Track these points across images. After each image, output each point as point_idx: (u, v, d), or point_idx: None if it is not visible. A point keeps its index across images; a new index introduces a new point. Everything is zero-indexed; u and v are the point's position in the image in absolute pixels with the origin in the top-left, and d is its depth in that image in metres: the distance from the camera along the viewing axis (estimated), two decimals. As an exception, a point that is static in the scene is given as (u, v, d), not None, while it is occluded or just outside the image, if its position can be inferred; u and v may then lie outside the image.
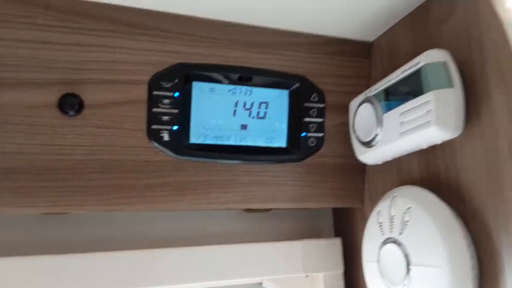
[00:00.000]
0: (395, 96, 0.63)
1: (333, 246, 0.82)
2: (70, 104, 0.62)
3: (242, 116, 0.74)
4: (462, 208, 0.57)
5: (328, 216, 0.92)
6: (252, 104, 0.75)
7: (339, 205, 0.79)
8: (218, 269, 0.73)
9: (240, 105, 0.74)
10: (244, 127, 0.74)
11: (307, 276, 0.82)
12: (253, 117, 0.75)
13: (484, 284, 0.54)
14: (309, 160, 0.76)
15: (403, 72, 0.61)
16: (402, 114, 0.60)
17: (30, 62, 0.61)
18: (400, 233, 0.60)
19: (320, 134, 0.77)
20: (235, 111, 0.74)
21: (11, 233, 0.71)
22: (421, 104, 0.57)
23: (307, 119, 0.76)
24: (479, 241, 0.55)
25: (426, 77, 0.56)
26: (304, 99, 0.76)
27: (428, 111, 0.55)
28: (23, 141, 0.60)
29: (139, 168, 0.66)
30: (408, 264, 0.58)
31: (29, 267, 0.64)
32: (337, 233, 0.90)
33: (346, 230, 0.86)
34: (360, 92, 0.73)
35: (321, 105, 0.77)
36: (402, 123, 0.60)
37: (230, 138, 0.73)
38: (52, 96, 0.62)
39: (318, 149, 0.77)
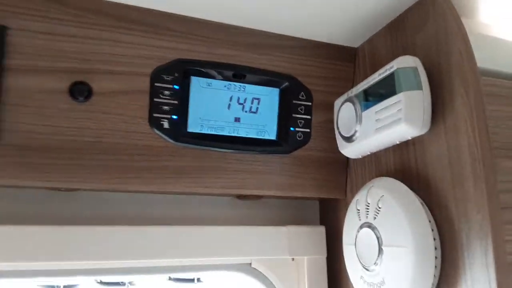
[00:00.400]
0: (372, 96, 0.70)
1: (318, 233, 0.89)
2: (79, 91, 0.69)
3: (236, 110, 0.81)
4: (428, 196, 0.65)
5: (314, 207, 0.99)
6: (245, 99, 0.82)
7: (323, 195, 0.86)
8: (210, 247, 0.80)
9: (234, 99, 0.81)
10: (237, 119, 0.81)
11: (293, 259, 0.89)
12: (246, 111, 0.82)
13: (445, 262, 0.61)
14: (296, 152, 0.83)
15: (379, 75, 0.68)
16: (377, 112, 0.68)
17: (44, 52, 0.68)
18: (374, 218, 0.67)
19: (307, 130, 0.84)
20: (229, 105, 0.81)
21: (21, 206, 0.77)
22: (393, 103, 0.64)
23: (295, 115, 0.83)
24: (442, 225, 0.62)
25: (398, 80, 0.64)
26: (293, 97, 0.83)
27: (399, 110, 0.63)
28: (36, 122, 0.67)
29: (140, 151, 0.73)
30: (380, 245, 0.65)
31: (32, 236, 0.70)
32: (322, 223, 0.97)
33: (331, 219, 0.93)
34: (344, 92, 0.80)
35: (309, 103, 0.84)
36: (377, 120, 0.68)
37: (224, 129, 0.80)
38: (64, 83, 0.69)
39: (305, 143, 0.84)
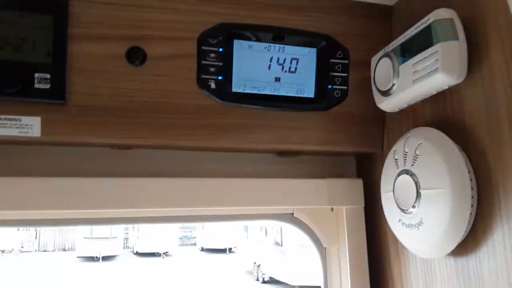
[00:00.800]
0: (409, 50, 0.73)
1: (356, 185, 0.94)
2: (135, 55, 0.75)
3: (276, 70, 0.86)
4: (464, 142, 0.69)
5: (351, 162, 1.04)
6: (284, 60, 0.86)
7: (360, 149, 0.91)
8: (256, 197, 0.86)
9: (274, 60, 0.86)
10: (277, 79, 0.86)
11: (332, 209, 0.95)
12: (285, 71, 0.86)
13: (481, 200, 0.65)
14: (334, 109, 0.88)
15: (416, 28, 0.71)
16: (414, 64, 0.71)
17: (103, 20, 0.74)
18: (412, 165, 0.72)
19: (344, 87, 0.88)
20: (270, 65, 0.85)
21: (81, 163, 0.84)
22: (430, 54, 0.67)
23: (332, 73, 0.87)
24: (478, 167, 0.66)
25: (435, 31, 0.67)
26: (330, 56, 0.87)
27: (436, 60, 0.66)
28: (98, 84, 0.74)
29: (191, 110, 0.79)
30: (418, 188, 0.70)
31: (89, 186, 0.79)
32: (359, 177, 1.02)
33: (367, 173, 0.98)
34: (381, 50, 0.83)
35: (345, 61, 0.88)
36: (414, 72, 0.71)
37: (266, 88, 0.85)
38: (121, 48, 0.75)
39: (342, 100, 0.88)
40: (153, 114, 0.77)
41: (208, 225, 22.34)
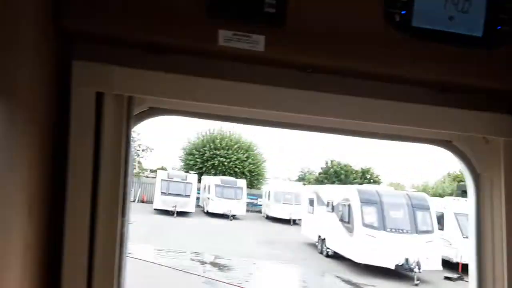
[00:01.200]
0: None
1: None
2: None
3: (451, 9, 0.95)
4: None
5: (507, 103, 1.05)
6: (459, 0, 0.96)
7: None
8: (423, 119, 0.98)
9: (450, 0, 0.95)
10: (451, 18, 0.95)
11: (487, 142, 1.03)
12: (459, 11, 0.95)
13: None
14: (501, 49, 0.95)
15: None
16: None
17: None
18: None
19: None
20: (445, 5, 0.95)
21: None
22: None
23: (503, 16, 0.95)
24: None
25: None
26: None
27: None
28: (310, 12, 0.89)
29: (375, 39, 0.92)
30: None
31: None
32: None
33: None
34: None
35: None
36: None
37: (441, 25, 0.94)
38: None
39: (511, 40, 0.96)
40: (344, 41, 0.90)
41: (273, 195, 23.04)
